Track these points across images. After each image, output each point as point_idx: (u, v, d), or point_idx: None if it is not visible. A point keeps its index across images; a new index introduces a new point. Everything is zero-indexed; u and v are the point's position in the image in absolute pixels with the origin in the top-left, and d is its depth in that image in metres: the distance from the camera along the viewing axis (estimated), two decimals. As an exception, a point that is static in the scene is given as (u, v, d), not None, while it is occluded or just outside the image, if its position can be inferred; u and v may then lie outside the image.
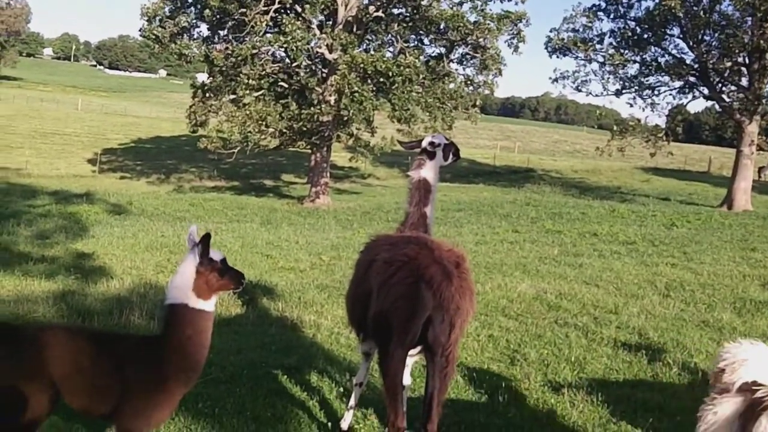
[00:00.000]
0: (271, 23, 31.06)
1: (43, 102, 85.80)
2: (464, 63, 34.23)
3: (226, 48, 31.28)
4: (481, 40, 31.78)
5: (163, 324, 4.02)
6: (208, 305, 3.96)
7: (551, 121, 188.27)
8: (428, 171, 5.85)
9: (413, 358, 5.38)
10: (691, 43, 35.47)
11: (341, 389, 6.48)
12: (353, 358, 7.31)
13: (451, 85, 33.62)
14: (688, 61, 36.30)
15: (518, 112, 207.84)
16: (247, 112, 30.21)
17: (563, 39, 37.40)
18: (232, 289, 4.21)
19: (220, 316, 9.15)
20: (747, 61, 34.16)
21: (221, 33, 33.76)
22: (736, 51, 33.74)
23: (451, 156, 6.01)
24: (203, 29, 34.36)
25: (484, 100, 37.47)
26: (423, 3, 30.85)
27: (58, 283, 10.57)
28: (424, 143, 5.96)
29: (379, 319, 4.74)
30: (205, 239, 3.95)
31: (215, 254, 3.99)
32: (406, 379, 5.54)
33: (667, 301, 10.63)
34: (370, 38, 35.25)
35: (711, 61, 34.99)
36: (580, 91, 38.39)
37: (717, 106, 38.08)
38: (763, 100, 33.85)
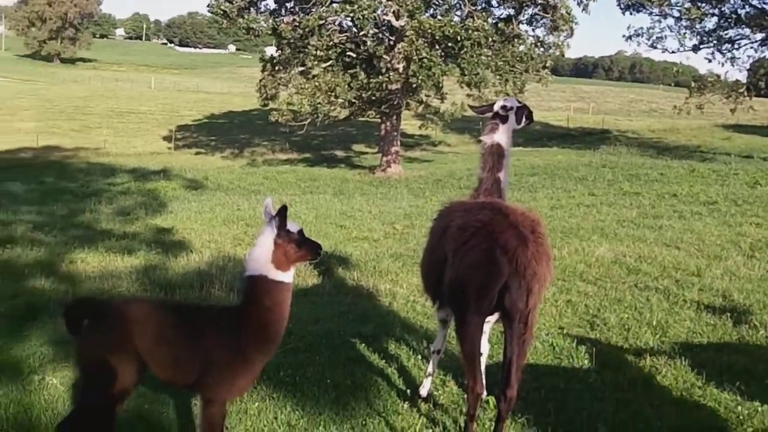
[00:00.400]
0: (337, -8, 31.02)
1: (118, 82, 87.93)
2: (534, 24, 33.60)
3: (294, 20, 31.37)
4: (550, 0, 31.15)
5: (242, 295, 4.08)
6: (287, 276, 4.00)
7: (626, 80, 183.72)
8: (501, 135, 5.74)
9: (490, 325, 5.33)
10: (774, -8, 34.10)
11: (419, 356, 6.49)
12: (430, 326, 7.30)
13: (521, 48, 33.06)
14: (770, 12, 34.90)
15: (591, 72, 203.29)
16: (316, 84, 30.32)
17: (637, -6, 36.43)
18: (309, 259, 4.23)
19: (297, 287, 9.23)
20: (834, 7, 32.69)
21: (288, 5, 33.85)
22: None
23: (524, 119, 5.89)
24: (270, 2, 34.69)
25: (555, 62, 36.74)
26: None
27: (140, 259, 10.84)
28: (496, 107, 5.85)
29: (455, 286, 4.71)
30: (282, 211, 3.97)
31: (292, 226, 4.03)
32: (484, 346, 5.51)
33: (752, 262, 10.29)
34: (437, 3, 34.78)
35: (795, 11, 33.59)
36: (655, 48, 37.46)
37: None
38: None
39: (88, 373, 3.99)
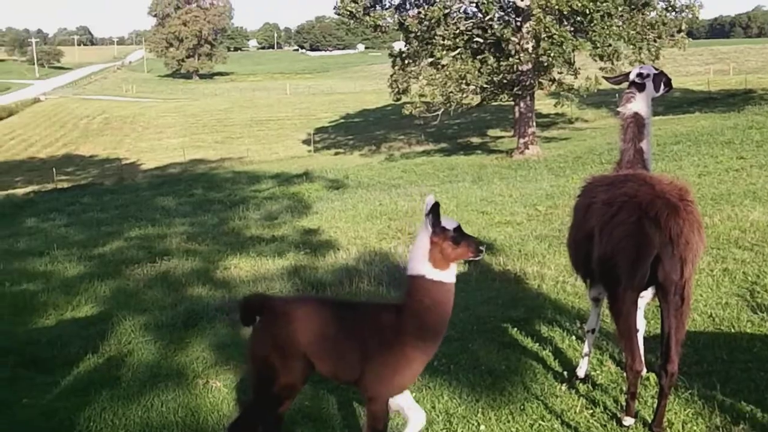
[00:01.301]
0: (459, -20, 30.92)
1: (255, 91, 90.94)
2: (663, -12, 32.30)
3: (419, 12, 31.48)
4: (677, -39, 29.92)
5: (403, 293, 4.11)
6: (447, 276, 3.96)
7: (766, 36, 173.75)
8: (640, 104, 5.63)
9: (645, 300, 5.24)
10: None
11: (573, 337, 6.47)
12: (582, 306, 7.25)
13: (652, 14, 31.86)
14: None
15: (728, 31, 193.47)
16: (447, 73, 30.32)
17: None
18: (470, 257, 4.14)
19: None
20: None
21: (411, -1, 34.03)
22: None
23: (662, 86, 5.74)
24: (394, -2, 34.76)
25: (689, 24, 35.11)
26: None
27: (290, 260, 11.23)
28: (632, 75, 5.75)
29: (605, 262, 4.67)
30: (435, 209, 3.93)
31: (448, 222, 3.98)
32: (640, 322, 5.43)
33: None
34: (561, -22, 34.12)
35: None
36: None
37: None
38: None
39: (258, 370, 4.17)
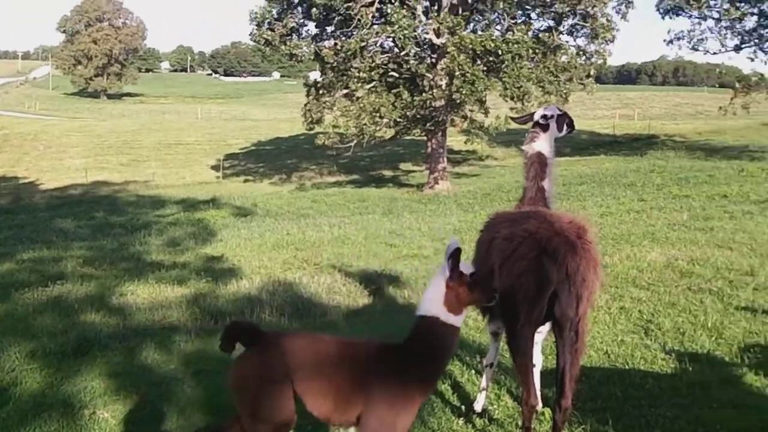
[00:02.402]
0: (377, 14, 31.20)
1: (165, 114, 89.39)
2: (574, 34, 33.37)
3: (335, 44, 31.72)
4: (589, 9, 30.97)
5: (410, 334, 4.04)
6: (458, 320, 4.00)
7: (670, 84, 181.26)
8: (543, 144, 5.78)
9: (542, 335, 5.34)
10: (814, -13, 33.67)
11: (473, 371, 6.51)
12: (483, 340, 7.32)
13: (563, 58, 32.90)
14: (812, 7, 34.45)
15: (635, 78, 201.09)
16: (361, 105, 30.54)
17: (675, -2, 36.21)
18: (483, 303, 4.20)
19: (348, 308, 9.37)
20: None
21: (329, 29, 34.18)
22: None
23: (565, 127, 5.92)
24: (311, 27, 34.90)
25: (598, 70, 36.39)
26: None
27: (190, 288, 10.96)
28: (537, 116, 5.90)
29: (504, 297, 4.72)
30: (456, 254, 3.95)
31: (465, 268, 4.00)
32: (537, 357, 5.53)
33: (807, 259, 10.15)
34: (476, 18, 34.88)
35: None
36: (696, 50, 37.28)
37: None
38: None
39: (242, 405, 3.94)
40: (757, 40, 35.95)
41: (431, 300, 3.96)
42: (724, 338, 7.05)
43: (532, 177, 5.74)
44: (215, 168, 47.48)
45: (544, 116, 5.86)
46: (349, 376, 3.88)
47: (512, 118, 7.01)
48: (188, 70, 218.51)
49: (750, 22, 35.91)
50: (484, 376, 5.73)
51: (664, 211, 16.83)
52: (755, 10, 35.67)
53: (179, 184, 42.03)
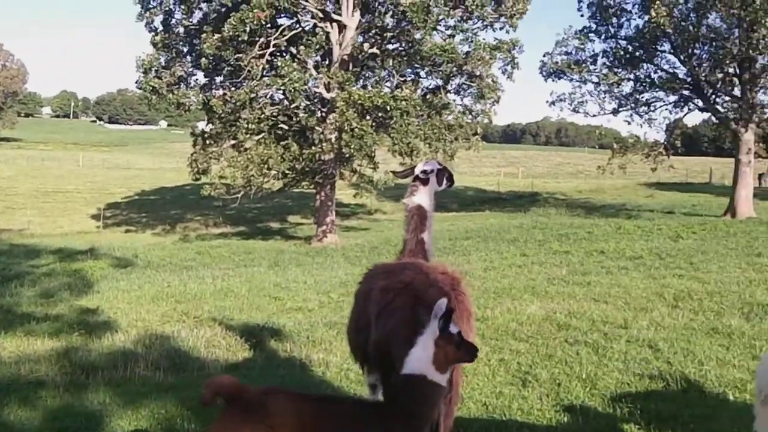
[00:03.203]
0: (267, 66, 31.27)
1: (44, 161, 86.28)
2: (461, 93, 34.36)
3: (224, 94, 31.52)
4: (475, 69, 31.95)
5: (396, 392, 4.04)
6: (443, 379, 3.98)
7: (553, 144, 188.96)
8: (423, 197, 5.88)
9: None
10: (682, 58, 35.92)
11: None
12: (364, 392, 7.26)
13: (450, 116, 33.74)
14: (680, 75, 36.77)
15: (520, 138, 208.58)
16: (249, 156, 30.39)
17: (557, 62, 37.86)
18: (465, 361, 4.18)
19: (227, 362, 9.15)
20: (738, 71, 34.56)
21: (218, 80, 34.03)
22: (727, 62, 34.20)
23: (445, 181, 6.04)
24: (200, 77, 34.68)
25: (484, 129, 37.52)
26: (416, 37, 31.00)
27: (62, 341, 10.48)
28: (417, 170, 6.01)
29: (381, 347, 4.72)
30: (448, 314, 3.94)
31: (452, 327, 3.99)
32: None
33: (675, 312, 10.60)
34: (367, 74, 35.46)
35: (703, 74, 35.39)
36: (577, 112, 38.82)
37: (713, 118, 38.29)
38: (757, 108, 34.13)
39: None
40: (633, 104, 37.82)
41: (419, 359, 3.95)
42: (597, 389, 7.23)
43: (412, 229, 5.82)
44: (95, 217, 46.11)
45: (424, 171, 5.98)
46: None
47: (394, 173, 7.11)
48: (71, 116, 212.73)
49: (627, 87, 37.84)
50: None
51: (544, 266, 17.29)
52: (631, 76, 37.67)
53: (57, 233, 40.47)
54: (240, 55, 29.74)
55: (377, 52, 33.19)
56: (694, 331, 9.38)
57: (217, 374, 8.47)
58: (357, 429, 3.87)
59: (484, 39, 31.81)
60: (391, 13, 32.71)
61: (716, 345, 8.65)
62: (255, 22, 27.88)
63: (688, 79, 36.40)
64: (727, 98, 36.44)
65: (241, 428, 3.74)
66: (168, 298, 14.93)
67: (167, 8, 33.18)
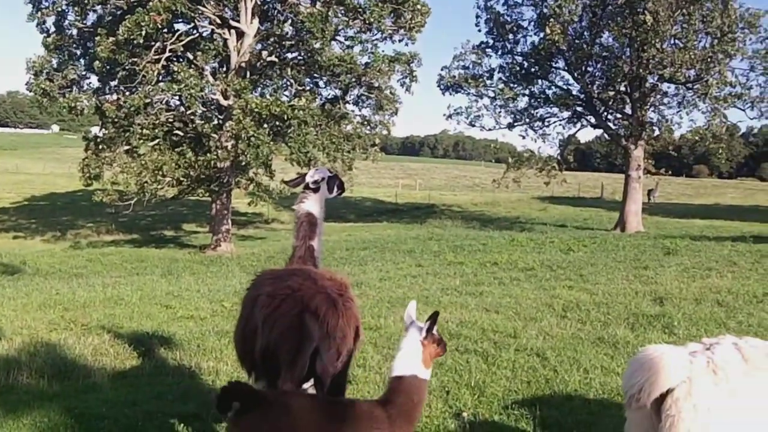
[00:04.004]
0: (163, 71, 30.71)
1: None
2: (360, 104, 34.57)
3: (118, 99, 30.74)
4: (374, 81, 32.19)
5: (392, 391, 4.29)
6: (428, 374, 4.36)
7: (450, 157, 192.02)
8: (313, 204, 5.92)
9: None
10: (575, 75, 37.14)
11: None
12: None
13: (348, 127, 33.87)
14: (574, 92, 38.00)
15: (418, 150, 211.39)
16: (143, 162, 29.68)
17: (454, 76, 38.59)
18: (441, 355, 4.53)
19: (115, 370, 8.90)
20: (628, 89, 35.92)
21: (112, 84, 33.14)
22: (618, 80, 35.55)
23: (336, 189, 6.10)
24: (93, 81, 33.75)
25: (383, 140, 37.90)
26: (316, 47, 30.98)
27: (-62, 349, 10.02)
28: (308, 178, 6.05)
29: (267, 353, 4.70)
30: (434, 317, 4.39)
31: (434, 328, 4.40)
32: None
33: (564, 322, 10.87)
34: (265, 83, 35.26)
35: (595, 91, 36.67)
36: (473, 125, 39.57)
37: (605, 134, 39.67)
38: (647, 126, 35.57)
39: None
40: (528, 119, 38.87)
41: (408, 359, 4.28)
42: (485, 396, 7.34)
43: (302, 236, 5.86)
44: (-20, 223, 44.14)
45: (314, 180, 6.02)
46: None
47: (285, 182, 7.13)
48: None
49: (522, 103, 38.90)
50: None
51: (439, 277, 17.48)
52: (527, 92, 38.70)
53: (-63, 240, 38.57)
54: (135, 59, 29.09)
55: (276, 60, 33.08)
56: (581, 341, 9.65)
57: (102, 383, 8.25)
58: (367, 426, 4.14)
59: (383, 51, 32.14)
60: (290, 21, 32.71)
61: (602, 354, 8.91)
62: (151, 26, 27.31)
63: (582, 96, 37.70)
64: (618, 115, 37.92)
65: (267, 425, 3.96)
66: (56, 305, 14.40)
67: (60, 9, 32.18)
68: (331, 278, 4.92)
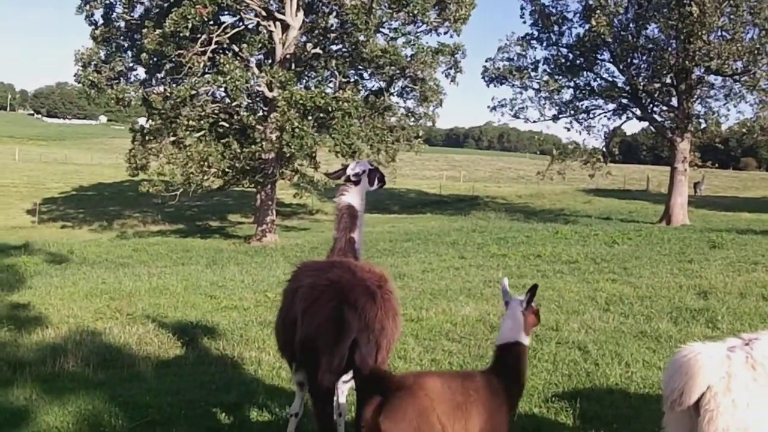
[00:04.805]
0: (209, 63, 30.93)
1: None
2: (404, 96, 34.49)
3: (165, 90, 31.09)
4: (418, 72, 32.10)
5: (501, 359, 4.63)
6: (528, 341, 4.72)
7: (495, 149, 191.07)
8: (353, 197, 5.96)
9: (349, 384, 5.37)
10: (621, 67, 36.66)
11: (280, 422, 6.42)
12: (293, 391, 7.25)
13: (393, 119, 33.85)
14: (619, 84, 37.52)
15: (462, 142, 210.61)
16: (188, 153, 29.99)
17: (499, 68, 38.31)
18: (537, 325, 4.93)
19: (159, 359, 9.04)
20: (674, 81, 35.35)
21: (159, 75, 33.52)
22: (664, 72, 35.04)
23: (376, 181, 6.13)
24: (140, 72, 34.17)
25: (427, 132, 37.80)
26: (360, 39, 30.97)
27: (-10, 336, 10.27)
28: (349, 170, 6.09)
29: (306, 344, 4.74)
30: (533, 289, 4.77)
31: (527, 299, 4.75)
32: (343, 406, 5.55)
33: (606, 315, 10.77)
34: (309, 75, 35.37)
35: (641, 83, 36.16)
36: (518, 117, 39.25)
37: (651, 127, 39.11)
38: (693, 119, 34.98)
39: None
40: (572, 111, 38.45)
41: (512, 329, 4.65)
42: (526, 389, 7.30)
43: (343, 228, 5.90)
44: (31, 212, 44.97)
45: (356, 172, 6.07)
46: (476, 402, 4.37)
47: (326, 174, 7.21)
48: (8, 108, 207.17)
49: (566, 95, 38.45)
50: (289, 426, 5.66)
51: (481, 269, 17.46)
52: (571, 84, 38.29)
53: (-10, 228, 39.44)
54: (181, 51, 29.36)
55: (320, 52, 33.14)
56: (623, 334, 9.56)
57: (146, 373, 8.38)
58: (491, 394, 4.42)
59: (427, 43, 32.01)
60: (334, 14, 32.74)
61: (644, 348, 8.83)
62: (197, 18, 27.56)
63: (627, 88, 37.17)
64: (664, 108, 37.31)
65: (413, 403, 4.16)
66: (102, 294, 14.69)
67: (108, 2, 32.65)
68: (371, 270, 4.95)
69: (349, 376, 4.95)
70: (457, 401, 4.30)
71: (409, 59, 31.26)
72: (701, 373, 3.83)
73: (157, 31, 28.52)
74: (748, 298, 11.91)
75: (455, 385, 4.39)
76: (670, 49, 34.78)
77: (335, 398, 5.26)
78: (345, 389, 5.49)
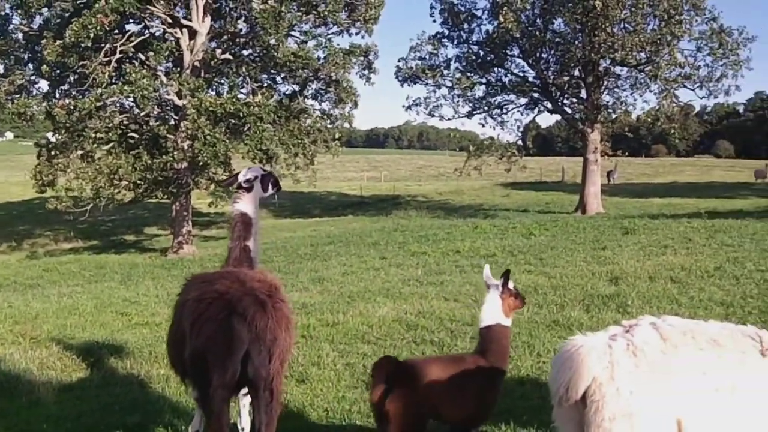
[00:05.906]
0: (114, 73, 30.09)
1: None
2: (319, 98, 34.27)
3: (69, 103, 30.06)
4: (332, 74, 31.92)
5: (484, 341, 5.17)
6: (509, 322, 5.27)
7: (415, 148, 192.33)
8: (246, 204, 5.81)
9: (247, 398, 5.18)
10: (530, 62, 37.37)
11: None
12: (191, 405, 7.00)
13: (308, 121, 33.57)
14: (530, 79, 38.22)
15: (383, 142, 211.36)
16: (97, 167, 29.08)
17: (412, 68, 38.54)
18: (521, 307, 5.49)
19: (61, 383, 8.64)
20: (582, 74, 36.18)
21: (63, 88, 32.49)
22: (572, 65, 35.86)
23: (270, 187, 5.96)
24: (43, 85, 33.06)
25: (346, 134, 37.62)
26: (271, 43, 30.58)
27: None
28: (240, 177, 5.95)
29: (196, 359, 4.52)
30: (506, 274, 5.31)
31: (510, 284, 5.30)
32: (245, 420, 5.36)
33: (520, 308, 10.79)
34: (221, 81, 34.79)
35: (550, 77, 36.93)
36: (433, 116, 39.56)
37: (562, 119, 39.89)
38: (602, 109, 35.86)
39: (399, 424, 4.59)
40: (486, 107, 38.95)
41: (491, 311, 5.19)
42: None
43: (237, 237, 5.77)
44: (-66, 235, 43.07)
45: (247, 179, 5.90)
46: (469, 383, 4.89)
47: (217, 182, 7.03)
48: None
49: (479, 91, 38.93)
50: (189, 444, 5.44)
51: (401, 268, 17.37)
52: (483, 80, 38.74)
53: None
54: (84, 62, 28.47)
55: (230, 57, 32.65)
56: (537, 325, 9.61)
57: (47, 398, 7.99)
58: (475, 374, 4.93)
59: (338, 44, 31.84)
60: (243, 18, 32.34)
61: (556, 337, 8.86)
62: (99, 28, 26.74)
63: (537, 82, 37.87)
64: (574, 100, 38.12)
65: (417, 390, 4.68)
66: (6, 319, 13.98)
67: (3, 12, 31.46)
68: (261, 279, 4.77)
69: (245, 390, 4.76)
70: (452, 382, 4.78)
71: (321, 62, 31.04)
72: (584, 366, 3.83)
73: (58, 42, 27.59)
74: (657, 281, 12.15)
75: (451, 368, 4.91)
76: (576, 42, 35.54)
77: (239, 416, 5.08)
78: (246, 403, 5.28)
